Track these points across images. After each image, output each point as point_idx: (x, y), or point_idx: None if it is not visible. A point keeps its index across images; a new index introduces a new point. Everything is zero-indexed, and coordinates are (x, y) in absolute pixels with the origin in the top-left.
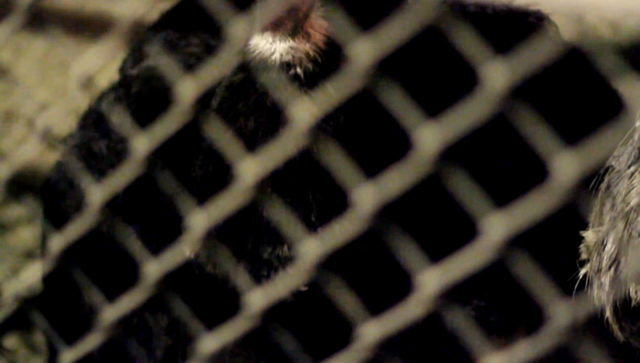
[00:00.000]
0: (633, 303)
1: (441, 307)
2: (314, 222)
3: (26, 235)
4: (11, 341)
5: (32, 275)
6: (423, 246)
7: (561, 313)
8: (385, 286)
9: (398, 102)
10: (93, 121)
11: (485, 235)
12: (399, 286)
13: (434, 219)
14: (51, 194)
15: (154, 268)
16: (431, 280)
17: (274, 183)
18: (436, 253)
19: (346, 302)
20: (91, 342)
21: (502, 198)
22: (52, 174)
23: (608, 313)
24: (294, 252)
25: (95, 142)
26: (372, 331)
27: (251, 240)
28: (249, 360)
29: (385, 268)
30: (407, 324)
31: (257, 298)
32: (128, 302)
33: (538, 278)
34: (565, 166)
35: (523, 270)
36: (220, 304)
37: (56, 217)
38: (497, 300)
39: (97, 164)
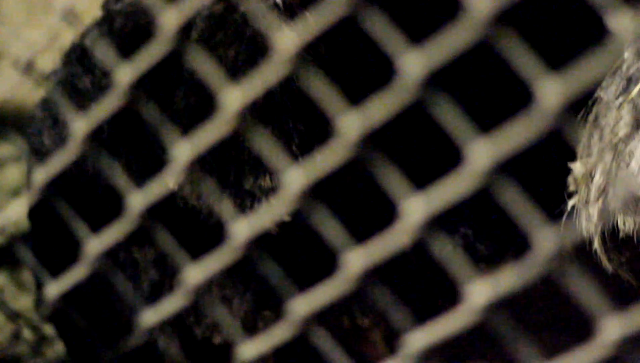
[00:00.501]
0: (621, 234)
1: (427, 236)
2: (296, 152)
3: (13, 174)
4: (1, 278)
5: (18, 210)
6: (408, 175)
7: (547, 240)
8: (370, 215)
9: (381, 29)
10: (77, 57)
11: (470, 161)
12: (384, 215)
13: (419, 147)
14: (35, 131)
15: (138, 200)
16: (416, 208)
17: (255, 113)
18: (421, 182)
19: (330, 232)
20: (76, 274)
21: (487, 125)
22: (36, 111)
23: (596, 245)
24: (276, 183)
25: (79, 78)
26: (356, 260)
27: (233, 171)
28: (236, 292)
29: (370, 197)
30: (392, 253)
31: (241, 229)
32: (112, 234)
33: (524, 205)
34: (551, 91)
35: (509, 198)
36: (205, 236)
37: (41, 154)
38: (484, 229)
39: (81, 100)
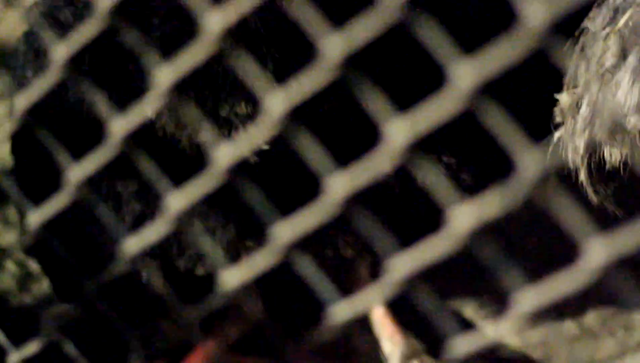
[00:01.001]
0: (607, 165)
1: (410, 161)
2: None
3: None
4: None
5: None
6: (391, 98)
7: (532, 163)
8: (353, 140)
9: None
10: None
11: (453, 82)
12: (367, 139)
13: (402, 69)
14: (19, 65)
15: (119, 126)
16: (399, 131)
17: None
18: (405, 105)
19: (312, 157)
20: (58, 202)
21: (470, 45)
22: (19, 45)
23: (582, 177)
24: (253, 109)
25: (60, 10)
26: (339, 185)
27: (210, 98)
28: (218, 223)
29: (353, 120)
30: (375, 177)
31: (223, 154)
32: (94, 162)
33: (509, 129)
34: (535, 9)
35: (494, 121)
36: (186, 167)
37: (24, 87)
38: (469, 158)
39: (62, 32)
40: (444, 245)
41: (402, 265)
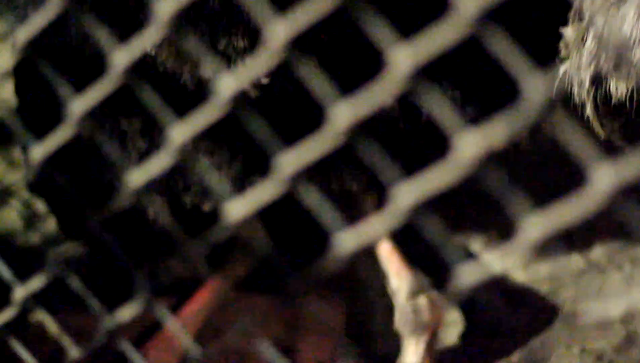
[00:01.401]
0: (614, 99)
1: (414, 89)
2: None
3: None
4: None
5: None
6: (394, 24)
7: (537, 88)
8: (356, 68)
9: None
10: None
11: (457, 8)
12: (371, 67)
13: None
14: (20, 3)
15: (121, 57)
16: (404, 57)
17: None
18: (408, 31)
19: (315, 86)
20: (61, 136)
21: None
22: None
23: (589, 111)
24: (249, 43)
25: None
26: (343, 113)
27: (207, 30)
28: (224, 158)
29: (356, 48)
30: (379, 106)
31: (225, 85)
32: (96, 93)
33: (514, 54)
34: None
35: (499, 47)
36: (187, 103)
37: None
38: (473, 91)
39: None
40: (449, 173)
41: (408, 193)
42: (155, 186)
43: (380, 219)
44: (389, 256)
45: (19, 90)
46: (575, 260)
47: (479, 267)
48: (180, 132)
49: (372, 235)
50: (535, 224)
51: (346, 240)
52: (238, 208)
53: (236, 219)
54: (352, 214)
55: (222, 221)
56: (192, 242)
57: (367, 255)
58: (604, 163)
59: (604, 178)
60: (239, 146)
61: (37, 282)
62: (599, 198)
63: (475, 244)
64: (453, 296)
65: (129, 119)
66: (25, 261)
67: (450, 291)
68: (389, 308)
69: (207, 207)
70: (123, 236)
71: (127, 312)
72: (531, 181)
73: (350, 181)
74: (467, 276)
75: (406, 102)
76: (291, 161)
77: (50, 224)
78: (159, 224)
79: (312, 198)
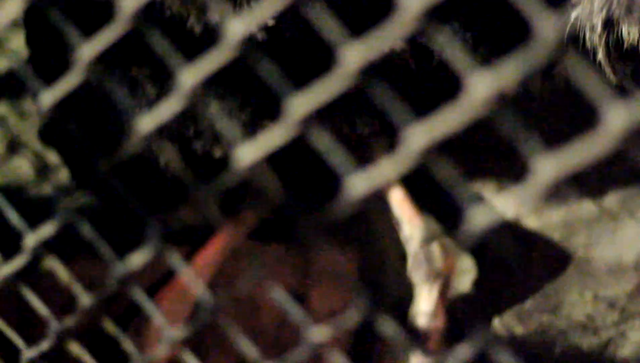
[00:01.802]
0: (626, 44)
1: (426, 30)
2: None
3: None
4: (1, 108)
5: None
6: None
7: (549, 27)
8: (366, 9)
9: None
10: None
11: None
12: (381, 7)
13: None
14: None
15: (128, 1)
16: None
17: None
18: None
19: (325, 27)
20: (70, 82)
21: None
22: None
23: (601, 56)
24: None
25: None
26: (354, 54)
27: None
28: (235, 104)
29: None
30: (391, 47)
31: (234, 27)
32: (105, 38)
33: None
34: None
35: None
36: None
37: None
38: (485, 32)
39: None
40: (461, 115)
41: (419, 136)
42: (166, 132)
43: (392, 162)
44: (401, 204)
45: (29, 40)
46: (587, 207)
47: (490, 211)
48: (190, 76)
49: (383, 178)
50: (548, 166)
51: (357, 184)
52: (248, 153)
53: (247, 163)
54: (364, 160)
55: (233, 166)
56: (203, 187)
57: (380, 202)
58: (616, 103)
59: (616, 118)
60: (249, 92)
61: (48, 229)
62: (612, 138)
63: (488, 191)
64: (465, 240)
65: (138, 66)
66: (38, 212)
67: (462, 235)
68: (402, 256)
69: (218, 153)
70: (134, 184)
71: (138, 259)
72: (544, 125)
73: (361, 125)
74: (478, 219)
75: (417, 44)
76: (302, 103)
77: (62, 176)
78: (170, 171)
79: (323, 142)
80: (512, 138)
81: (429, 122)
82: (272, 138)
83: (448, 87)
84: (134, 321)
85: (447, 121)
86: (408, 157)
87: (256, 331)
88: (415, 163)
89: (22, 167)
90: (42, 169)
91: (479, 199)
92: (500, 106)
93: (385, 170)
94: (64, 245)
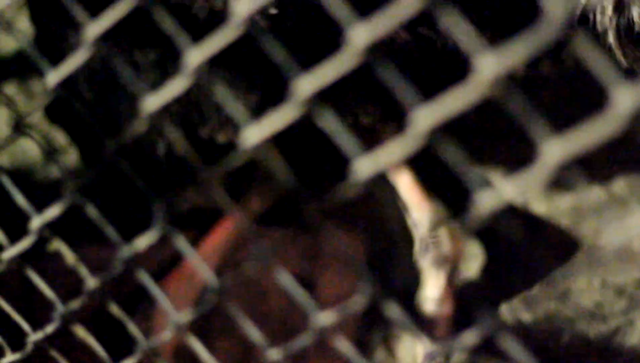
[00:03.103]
0: (636, 27)
1: (434, 9)
2: None
3: None
4: (10, 88)
5: None
6: None
7: (557, 5)
8: None
9: None
10: None
11: None
12: None
13: None
14: None
15: None
16: None
17: None
18: None
19: (333, 5)
20: (75, 60)
21: None
22: None
23: (611, 39)
24: None
25: None
26: (361, 33)
27: None
28: (243, 87)
29: None
30: (398, 26)
31: (241, 4)
32: (111, 16)
33: None
34: None
35: None
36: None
37: None
38: (493, 11)
39: None
40: (469, 95)
41: (427, 116)
42: (172, 117)
43: (399, 143)
44: (409, 189)
45: (34, 19)
46: (596, 192)
47: (498, 194)
48: (197, 54)
49: (390, 159)
50: (555, 148)
51: (364, 165)
52: (255, 133)
53: (253, 144)
54: (371, 146)
55: (239, 147)
56: (209, 168)
57: (388, 187)
58: (625, 85)
59: (625, 100)
60: (256, 75)
61: (54, 211)
62: (621, 120)
63: (495, 175)
64: (472, 224)
65: (143, 51)
66: (46, 195)
67: (469, 218)
68: (410, 241)
69: (222, 139)
70: (140, 166)
71: (144, 240)
72: (554, 111)
73: (368, 113)
74: (486, 202)
75: (425, 23)
76: (309, 83)
77: (71, 157)
78: (176, 153)
79: (330, 122)
80: (520, 120)
81: (436, 103)
82: (279, 117)
83: (456, 66)
84: (141, 306)
85: (455, 101)
86: (415, 138)
87: (263, 316)
88: (423, 144)
89: (30, 149)
90: (51, 151)
91: (487, 183)
92: (508, 88)
93: (392, 151)
94: (71, 230)
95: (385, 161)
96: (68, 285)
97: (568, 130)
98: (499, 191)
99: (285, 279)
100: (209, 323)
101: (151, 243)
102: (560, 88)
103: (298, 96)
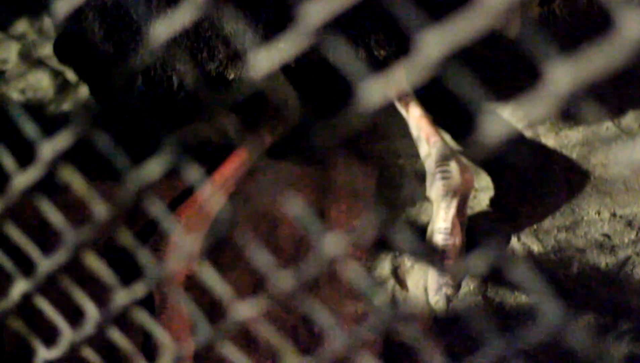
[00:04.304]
0: None
1: None
2: None
3: None
4: (21, 25)
5: None
6: None
7: None
8: None
9: None
10: None
11: None
12: None
13: None
14: None
15: None
16: None
17: None
18: None
19: None
20: None
21: None
22: None
23: None
24: None
25: None
26: None
27: None
28: (249, 18)
29: None
30: None
31: None
32: None
33: None
34: None
35: None
36: None
37: None
38: None
39: None
40: (478, 21)
41: (435, 41)
42: (180, 55)
43: (407, 69)
44: (419, 122)
45: None
46: (606, 126)
47: (505, 122)
48: None
49: (398, 84)
50: (564, 73)
51: (373, 91)
52: (264, 60)
53: (262, 72)
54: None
55: (249, 75)
56: (219, 98)
57: (398, 121)
58: (632, 10)
59: (633, 25)
60: (264, 9)
61: (64, 139)
62: (628, 45)
63: (505, 111)
64: (479, 150)
65: None
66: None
67: (476, 145)
68: (420, 174)
69: (232, 75)
70: (151, 100)
71: (155, 167)
72: (564, 44)
73: (380, 41)
74: (492, 129)
75: None
76: (317, 11)
77: (81, 93)
78: (186, 85)
79: (338, 49)
80: (528, 47)
81: (444, 29)
82: (288, 46)
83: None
84: (152, 238)
85: (464, 27)
86: (424, 64)
87: (274, 248)
88: (431, 71)
89: (42, 83)
90: (62, 86)
91: (494, 112)
92: (515, 13)
93: (400, 76)
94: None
95: (394, 87)
96: (79, 219)
97: (576, 55)
98: (506, 118)
99: (294, 205)
100: (220, 258)
101: (162, 172)
102: (572, 25)
103: (306, 25)
